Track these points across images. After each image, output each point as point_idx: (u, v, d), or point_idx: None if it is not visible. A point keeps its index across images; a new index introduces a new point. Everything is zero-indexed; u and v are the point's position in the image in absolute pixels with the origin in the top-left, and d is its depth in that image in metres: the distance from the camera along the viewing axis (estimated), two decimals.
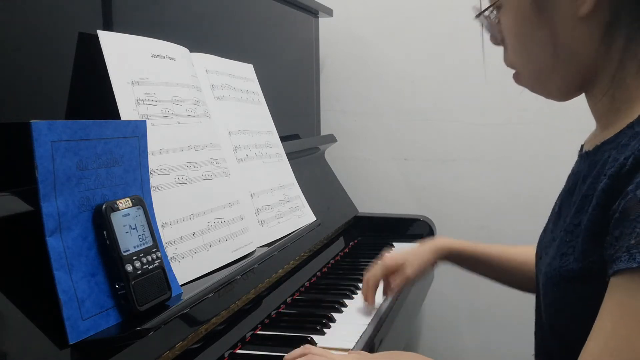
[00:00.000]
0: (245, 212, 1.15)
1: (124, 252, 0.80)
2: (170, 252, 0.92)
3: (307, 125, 1.93)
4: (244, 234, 1.11)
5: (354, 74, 2.13)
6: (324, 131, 2.06)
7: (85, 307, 0.75)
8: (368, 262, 1.55)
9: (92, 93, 0.94)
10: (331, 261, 1.56)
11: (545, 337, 0.88)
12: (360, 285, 1.33)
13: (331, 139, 1.94)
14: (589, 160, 0.81)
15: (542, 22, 0.80)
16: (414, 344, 2.16)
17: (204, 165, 1.05)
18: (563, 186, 0.91)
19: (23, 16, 0.84)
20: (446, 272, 1.95)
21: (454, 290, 2.07)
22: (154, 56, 1.02)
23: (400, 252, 1.27)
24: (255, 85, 1.39)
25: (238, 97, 1.30)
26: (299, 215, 1.36)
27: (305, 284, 1.36)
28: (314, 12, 1.93)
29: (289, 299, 1.27)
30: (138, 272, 0.81)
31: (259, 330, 1.10)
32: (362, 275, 1.42)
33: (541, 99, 0.90)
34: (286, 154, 1.42)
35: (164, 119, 0.99)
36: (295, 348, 1.01)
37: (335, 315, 1.18)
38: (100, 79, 0.91)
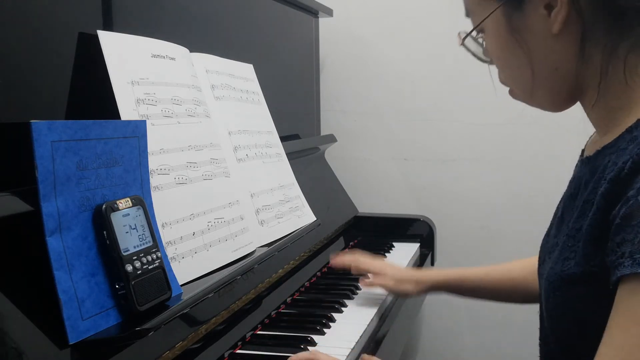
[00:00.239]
0: (245, 212, 1.15)
1: (124, 252, 0.80)
2: (170, 252, 0.92)
3: (307, 125, 1.93)
4: (244, 234, 1.11)
5: (354, 74, 2.13)
6: (324, 131, 2.06)
7: (85, 307, 0.75)
8: None
9: (92, 93, 0.94)
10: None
11: (547, 342, 0.88)
12: (360, 285, 1.33)
13: (331, 139, 1.94)
14: (590, 166, 0.82)
15: (519, 43, 0.82)
16: (414, 344, 2.16)
17: (204, 165, 1.05)
18: (563, 187, 0.92)
19: (23, 16, 0.84)
20: None
21: None
22: (154, 56, 1.02)
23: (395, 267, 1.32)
24: (255, 85, 1.39)
25: (238, 97, 1.30)
26: (299, 215, 1.36)
27: (305, 284, 1.36)
28: (314, 12, 1.93)
29: (289, 299, 1.27)
30: (138, 272, 0.81)
31: (259, 330, 1.10)
32: (362, 275, 1.42)
33: None
34: (286, 154, 1.41)
35: (164, 119, 0.99)
36: (295, 348, 1.01)
37: (335, 315, 1.18)
38: (100, 79, 0.91)
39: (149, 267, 0.83)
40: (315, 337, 1.06)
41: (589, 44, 0.78)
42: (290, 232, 1.29)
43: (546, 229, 0.94)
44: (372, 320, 1.19)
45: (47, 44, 0.88)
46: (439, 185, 2.08)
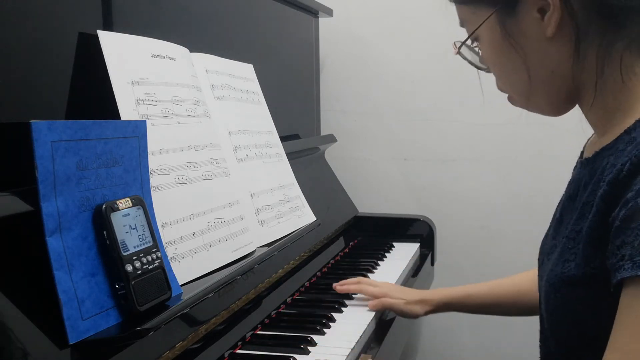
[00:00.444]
0: (245, 212, 1.15)
1: (124, 252, 0.80)
2: (170, 252, 0.92)
3: (307, 125, 1.93)
4: (244, 234, 1.11)
5: (354, 74, 2.13)
6: (324, 131, 2.06)
7: (85, 307, 0.75)
8: (368, 262, 1.55)
9: (92, 93, 0.94)
10: (331, 261, 1.56)
11: (547, 344, 0.88)
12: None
13: (331, 139, 1.94)
14: (589, 168, 0.82)
15: (515, 48, 0.82)
16: (414, 343, 2.16)
17: (204, 165, 1.05)
18: (563, 187, 0.92)
19: (23, 16, 0.84)
20: (446, 273, 1.96)
21: None
22: (154, 56, 1.02)
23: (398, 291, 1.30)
24: (255, 85, 1.39)
25: (238, 97, 1.30)
26: (299, 215, 1.36)
27: (305, 284, 1.36)
28: (314, 12, 1.93)
29: (289, 299, 1.27)
30: (138, 272, 0.81)
31: (259, 330, 1.10)
32: (362, 275, 1.42)
33: None
34: (286, 154, 1.41)
35: (164, 119, 0.99)
36: (295, 348, 1.01)
37: (335, 315, 1.18)
38: (100, 79, 0.91)
39: (149, 267, 0.83)
40: (315, 337, 1.06)
41: (583, 45, 0.78)
42: (290, 232, 1.29)
43: (546, 230, 0.94)
44: (372, 320, 1.19)
45: (47, 44, 0.88)
46: (439, 185, 2.08)
